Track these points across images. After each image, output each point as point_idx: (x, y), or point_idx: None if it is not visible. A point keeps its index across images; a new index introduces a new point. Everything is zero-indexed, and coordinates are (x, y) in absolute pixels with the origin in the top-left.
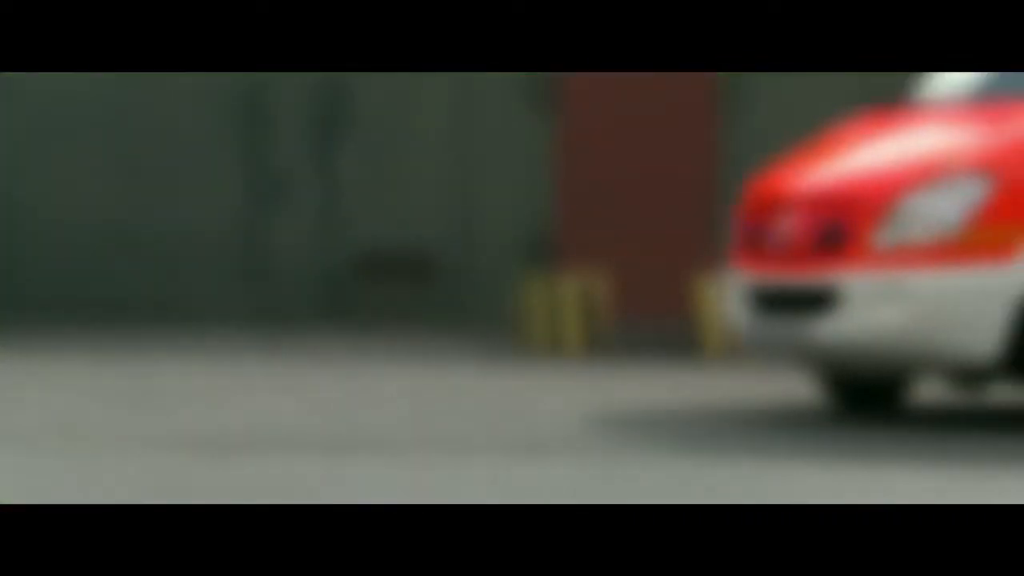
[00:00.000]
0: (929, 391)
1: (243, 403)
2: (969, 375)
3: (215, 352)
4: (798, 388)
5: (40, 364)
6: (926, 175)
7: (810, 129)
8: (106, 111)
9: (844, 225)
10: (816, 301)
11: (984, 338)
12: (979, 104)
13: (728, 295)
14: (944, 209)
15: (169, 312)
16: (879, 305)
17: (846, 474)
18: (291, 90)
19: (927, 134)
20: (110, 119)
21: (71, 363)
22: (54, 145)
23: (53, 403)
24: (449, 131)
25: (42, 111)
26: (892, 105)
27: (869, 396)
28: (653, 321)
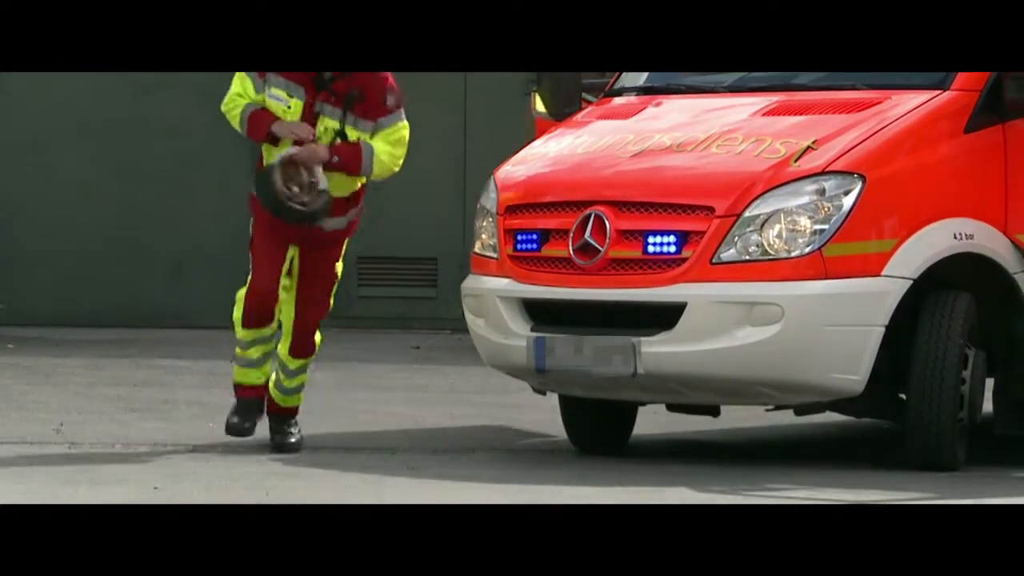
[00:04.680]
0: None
1: None
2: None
3: (220, 353)
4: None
5: (45, 369)
6: (779, 174)
7: None
8: (109, 116)
9: (680, 230)
10: (644, 319)
11: (853, 364)
12: (794, 90)
13: (483, 309)
14: (806, 214)
15: (173, 316)
16: (728, 324)
17: None
18: None
19: (749, 123)
20: (113, 124)
21: (76, 368)
22: (57, 150)
23: (58, 408)
24: (450, 131)
25: (45, 116)
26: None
27: (603, 430)
28: None
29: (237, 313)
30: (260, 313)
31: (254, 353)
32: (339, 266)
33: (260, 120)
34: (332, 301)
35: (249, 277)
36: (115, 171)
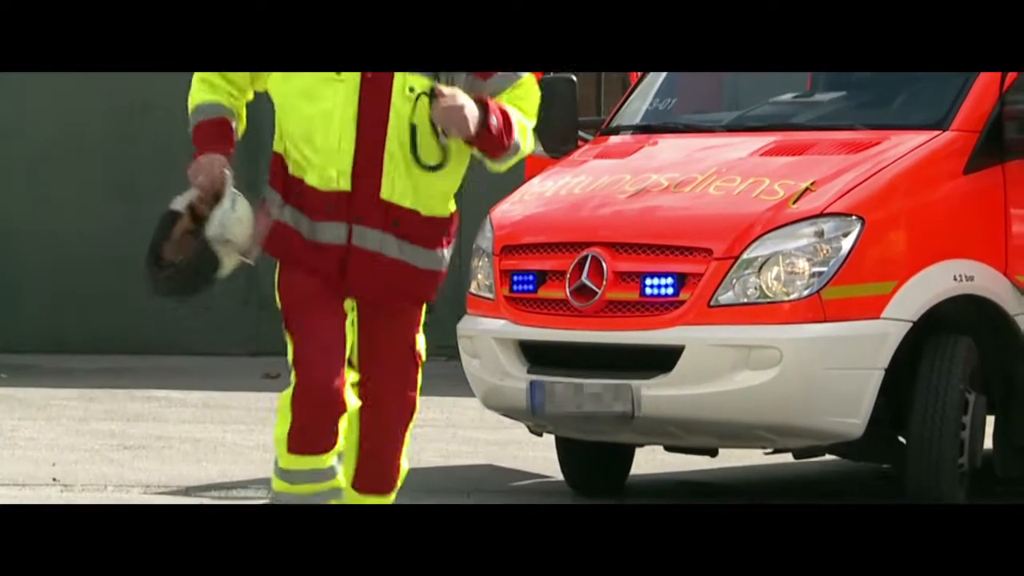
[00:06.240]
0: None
1: (244, 439)
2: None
3: (215, 383)
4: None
5: (38, 401)
6: (777, 216)
7: None
8: (103, 139)
9: (678, 272)
10: (642, 362)
11: (852, 408)
12: (793, 130)
13: (479, 350)
14: (804, 257)
15: (168, 342)
16: (726, 368)
17: None
18: None
19: (747, 164)
20: (108, 147)
21: (69, 400)
22: (50, 174)
23: (51, 446)
24: None
25: (38, 140)
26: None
27: (600, 471)
28: None
29: (280, 429)
30: (319, 430)
31: (304, 489)
32: (420, 339)
33: (204, 137)
34: (418, 398)
35: (293, 371)
36: (110, 194)
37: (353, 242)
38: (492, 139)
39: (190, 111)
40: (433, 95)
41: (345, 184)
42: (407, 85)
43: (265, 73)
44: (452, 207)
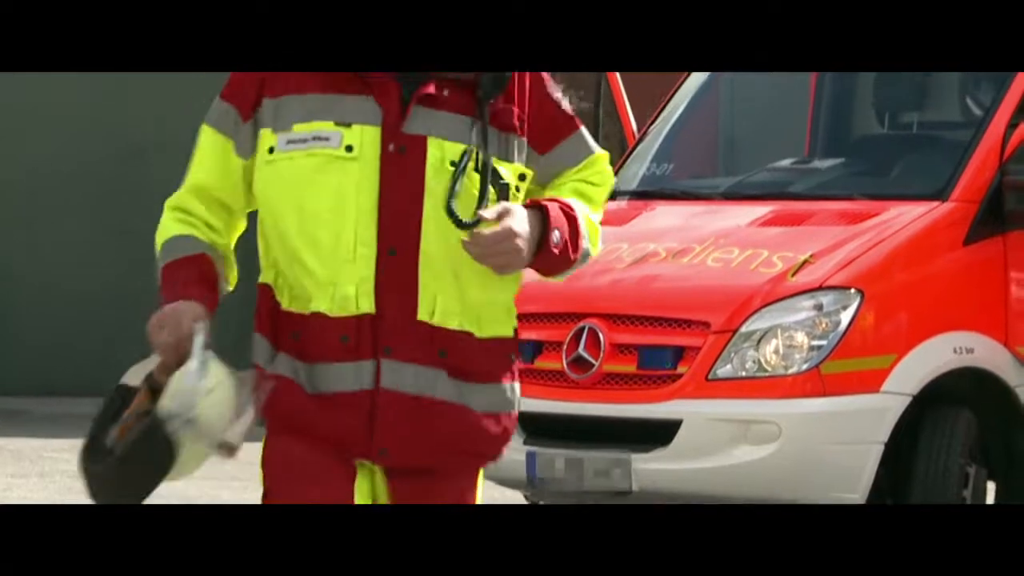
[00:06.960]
0: None
1: (238, 497)
2: None
3: None
4: None
5: (30, 454)
6: (776, 288)
7: None
8: (100, 180)
9: (675, 345)
10: (639, 435)
11: (852, 483)
12: (789, 200)
13: None
14: (803, 331)
15: None
16: (724, 442)
17: None
18: None
19: (744, 233)
20: (104, 188)
21: (61, 452)
22: (46, 215)
23: (47, 497)
24: None
25: (34, 180)
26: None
27: None
28: None
29: None
30: None
31: None
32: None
33: (171, 281)
34: None
35: None
36: (104, 239)
37: (382, 384)
38: (554, 260)
39: (157, 250)
40: (472, 222)
41: (368, 305)
42: (446, 159)
43: (254, 173)
44: (514, 321)
